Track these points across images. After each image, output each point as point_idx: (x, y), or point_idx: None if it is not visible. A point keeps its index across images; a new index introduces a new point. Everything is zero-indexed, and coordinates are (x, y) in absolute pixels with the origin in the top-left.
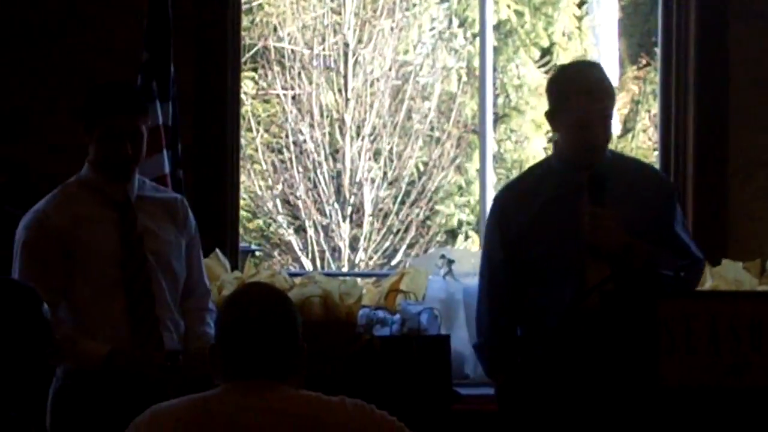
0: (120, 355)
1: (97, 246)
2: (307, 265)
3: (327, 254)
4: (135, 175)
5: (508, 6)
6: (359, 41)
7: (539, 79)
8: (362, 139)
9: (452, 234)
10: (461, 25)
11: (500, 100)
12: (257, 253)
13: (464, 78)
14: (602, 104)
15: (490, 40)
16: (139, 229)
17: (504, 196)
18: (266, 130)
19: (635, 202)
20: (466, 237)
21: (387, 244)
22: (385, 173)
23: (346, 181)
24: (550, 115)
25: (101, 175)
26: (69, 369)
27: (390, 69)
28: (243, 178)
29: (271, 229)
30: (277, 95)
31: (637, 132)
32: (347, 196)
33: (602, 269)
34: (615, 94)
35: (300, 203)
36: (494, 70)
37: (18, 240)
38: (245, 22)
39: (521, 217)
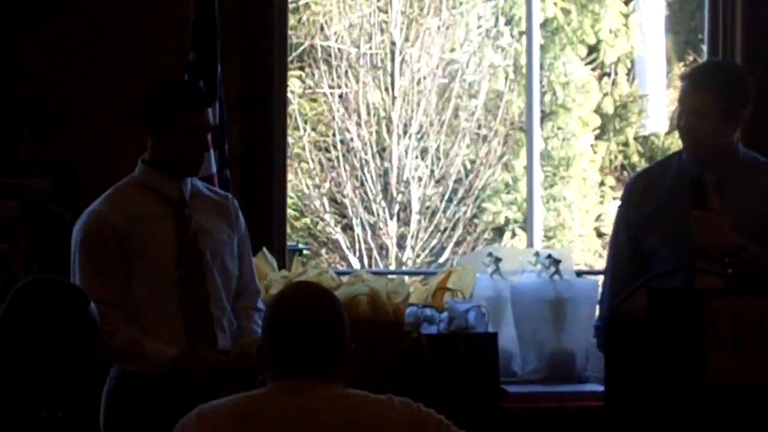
0: (185, 360)
1: (153, 244)
2: (355, 263)
3: (374, 252)
4: None
5: (555, 3)
6: (406, 40)
7: (586, 77)
8: (409, 138)
9: (499, 231)
10: (508, 23)
11: (547, 98)
12: (304, 252)
13: (511, 76)
14: (700, 97)
15: (537, 38)
16: (194, 228)
17: (631, 186)
18: (313, 129)
19: (756, 204)
20: (513, 234)
21: (434, 242)
22: (432, 171)
23: (393, 179)
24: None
25: (158, 174)
26: (124, 369)
27: (437, 67)
28: (290, 176)
29: (319, 227)
30: (324, 94)
31: None
32: (394, 194)
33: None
34: (726, 98)
35: (347, 201)
36: (541, 67)
37: (75, 241)
38: (292, 21)
39: (644, 206)
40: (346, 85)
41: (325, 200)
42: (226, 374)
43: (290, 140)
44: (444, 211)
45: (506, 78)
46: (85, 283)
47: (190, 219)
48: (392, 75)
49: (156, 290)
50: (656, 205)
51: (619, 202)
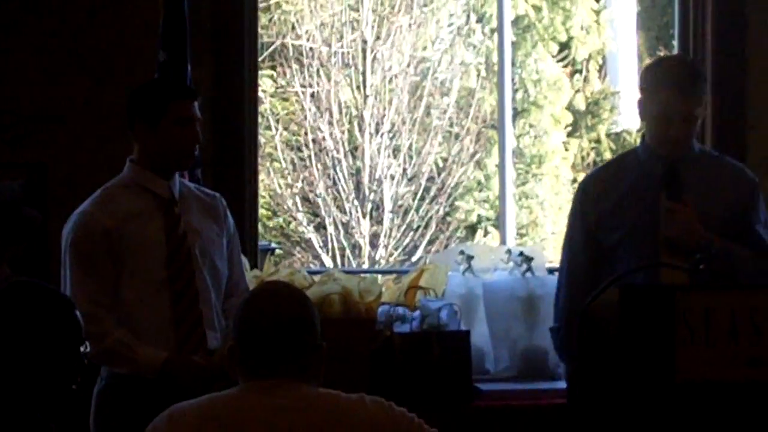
0: (175, 364)
1: (143, 243)
2: (328, 262)
3: (347, 251)
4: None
5: (526, 1)
6: (377, 38)
7: (557, 74)
8: (381, 136)
9: (472, 229)
10: (479, 20)
11: (519, 95)
12: (277, 251)
13: (483, 73)
14: (688, 102)
15: (509, 35)
16: (183, 227)
17: (588, 182)
18: (285, 128)
19: (717, 198)
20: (486, 232)
21: (407, 240)
22: (404, 169)
23: (365, 178)
24: (639, 103)
25: (148, 172)
26: (114, 370)
27: (408, 65)
28: (262, 176)
29: (291, 226)
30: (296, 93)
31: None
32: (367, 192)
33: (678, 264)
34: (705, 97)
35: (320, 200)
36: (513, 65)
37: (65, 243)
38: (263, 20)
39: (602, 204)
40: (318, 84)
41: (298, 199)
42: (216, 377)
43: (262, 140)
44: (417, 210)
45: (478, 75)
46: (76, 285)
47: (179, 218)
48: (364, 73)
49: (146, 289)
50: (617, 201)
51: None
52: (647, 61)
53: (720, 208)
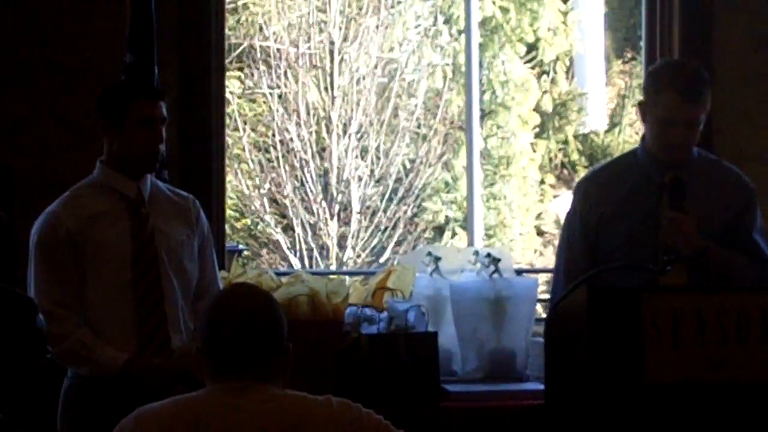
0: (136, 365)
1: (108, 244)
2: (296, 263)
3: (315, 253)
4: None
5: (493, 2)
6: (345, 39)
7: (525, 75)
8: (349, 137)
9: (440, 231)
10: (446, 21)
11: (486, 96)
12: (245, 253)
13: (450, 75)
14: (691, 108)
15: (476, 37)
16: (151, 227)
17: (587, 184)
18: (253, 130)
19: (715, 203)
20: (454, 233)
21: (375, 241)
22: (372, 171)
23: (333, 179)
24: (641, 106)
25: (116, 173)
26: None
27: (376, 67)
28: (230, 177)
29: (259, 228)
30: (264, 94)
31: (623, 126)
32: (334, 194)
33: (677, 271)
34: (708, 103)
35: (287, 202)
36: (480, 66)
37: (31, 243)
38: (230, 21)
39: (602, 207)
40: (286, 85)
41: (266, 201)
42: (177, 378)
43: (229, 141)
44: (384, 211)
45: (445, 77)
46: (39, 285)
47: (146, 219)
48: (331, 75)
49: (110, 290)
50: (616, 206)
51: (566, 204)
52: (615, 62)
53: (717, 213)
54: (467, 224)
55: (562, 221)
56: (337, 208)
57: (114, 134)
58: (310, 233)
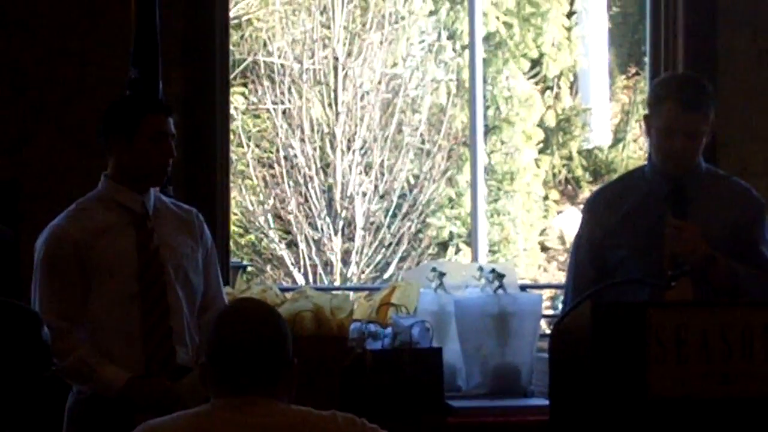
0: (136, 385)
1: (114, 258)
2: (300, 279)
3: (319, 268)
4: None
5: (497, 18)
6: (349, 55)
7: (529, 90)
8: (353, 153)
9: (444, 246)
10: (450, 37)
11: (490, 112)
12: (249, 269)
13: (454, 90)
14: (691, 118)
15: (480, 52)
16: (156, 241)
17: (595, 200)
18: (257, 145)
19: (722, 217)
20: (458, 249)
21: (379, 257)
22: (376, 186)
23: (337, 195)
24: (646, 119)
25: (121, 187)
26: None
27: (380, 82)
28: (234, 193)
29: (263, 244)
30: (268, 110)
31: (627, 141)
32: (338, 210)
33: (683, 285)
34: (711, 115)
35: (291, 218)
36: (484, 81)
37: (36, 258)
38: (235, 37)
39: (608, 220)
40: (290, 101)
41: (270, 217)
42: (179, 399)
43: (234, 157)
44: (388, 227)
45: (449, 92)
46: (44, 299)
47: (152, 232)
48: (335, 90)
49: (116, 304)
50: (622, 218)
51: (570, 220)
52: (619, 77)
53: (725, 227)
54: (471, 240)
55: (566, 236)
56: (341, 223)
57: (123, 148)
58: (314, 249)
